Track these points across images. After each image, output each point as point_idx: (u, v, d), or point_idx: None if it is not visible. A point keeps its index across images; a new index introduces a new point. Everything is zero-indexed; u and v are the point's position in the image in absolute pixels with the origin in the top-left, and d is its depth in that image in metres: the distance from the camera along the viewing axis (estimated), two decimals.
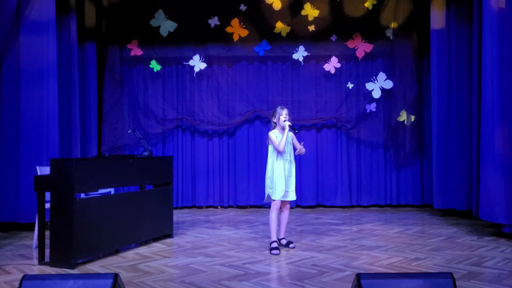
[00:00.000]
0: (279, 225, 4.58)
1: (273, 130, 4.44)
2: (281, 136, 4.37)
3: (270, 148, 4.43)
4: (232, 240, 4.93)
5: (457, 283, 2.33)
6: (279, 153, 4.35)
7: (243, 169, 7.66)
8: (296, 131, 4.46)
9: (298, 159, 7.57)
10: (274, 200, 4.35)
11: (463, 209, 6.12)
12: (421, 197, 7.56)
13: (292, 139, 4.49)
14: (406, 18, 7.43)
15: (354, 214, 6.84)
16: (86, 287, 2.09)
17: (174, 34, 7.61)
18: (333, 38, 7.61)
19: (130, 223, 4.42)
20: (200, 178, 7.71)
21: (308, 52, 7.59)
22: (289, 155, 4.43)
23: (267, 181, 4.42)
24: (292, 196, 4.44)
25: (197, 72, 7.62)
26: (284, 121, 4.37)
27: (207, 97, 7.69)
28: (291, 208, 7.42)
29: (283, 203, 4.45)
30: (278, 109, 4.44)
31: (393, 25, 7.47)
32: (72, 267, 3.71)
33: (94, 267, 3.81)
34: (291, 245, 4.48)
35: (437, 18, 6.44)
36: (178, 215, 6.71)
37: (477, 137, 5.43)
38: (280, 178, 4.32)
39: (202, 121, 7.66)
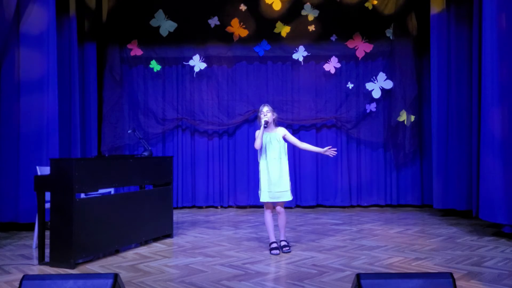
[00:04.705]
0: (277, 225, 4.55)
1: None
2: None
3: None
4: (232, 240, 4.93)
5: (457, 283, 2.33)
6: (260, 151, 4.32)
7: (243, 169, 7.66)
8: (265, 126, 4.24)
9: (298, 159, 7.61)
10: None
11: (463, 209, 6.11)
12: (421, 197, 7.56)
13: (286, 138, 4.37)
14: (406, 18, 7.44)
15: (354, 214, 6.84)
16: (86, 287, 2.09)
17: (174, 34, 7.61)
18: (333, 38, 7.61)
19: (130, 223, 4.42)
20: (200, 178, 7.70)
21: (308, 52, 7.58)
22: (278, 154, 4.27)
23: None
24: (286, 197, 4.22)
25: (197, 72, 7.62)
26: (262, 118, 4.28)
27: (207, 97, 7.68)
28: (290, 208, 7.50)
29: (273, 204, 4.31)
30: (260, 107, 4.37)
31: (393, 24, 7.49)
32: (72, 267, 3.71)
33: (94, 267, 3.81)
34: (284, 249, 4.27)
35: (437, 18, 6.44)
36: (178, 215, 6.70)
37: (477, 137, 5.43)
38: (263, 178, 4.26)
39: (202, 121, 7.65)
